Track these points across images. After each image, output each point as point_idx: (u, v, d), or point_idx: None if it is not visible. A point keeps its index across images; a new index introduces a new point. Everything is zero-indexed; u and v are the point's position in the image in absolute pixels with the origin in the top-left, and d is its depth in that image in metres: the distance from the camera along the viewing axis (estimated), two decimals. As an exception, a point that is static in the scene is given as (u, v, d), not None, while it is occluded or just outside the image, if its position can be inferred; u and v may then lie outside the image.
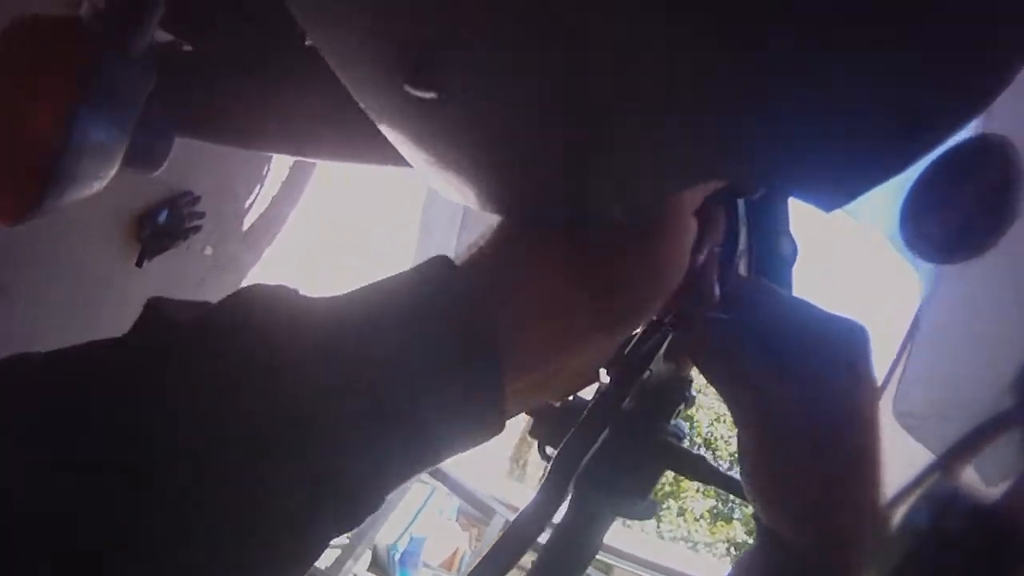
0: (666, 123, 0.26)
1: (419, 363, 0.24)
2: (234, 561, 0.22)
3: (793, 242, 0.50)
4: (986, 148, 0.32)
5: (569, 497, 0.41)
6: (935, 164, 0.33)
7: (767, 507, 0.35)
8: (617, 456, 0.41)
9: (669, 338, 0.39)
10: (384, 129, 0.31)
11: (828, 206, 0.28)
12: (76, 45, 0.33)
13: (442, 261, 0.27)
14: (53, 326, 1.18)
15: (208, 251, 1.77)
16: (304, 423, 0.22)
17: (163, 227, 1.40)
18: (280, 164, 1.77)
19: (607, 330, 0.30)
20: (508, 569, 0.34)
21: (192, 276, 1.76)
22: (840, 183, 0.26)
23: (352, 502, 0.24)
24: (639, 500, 0.44)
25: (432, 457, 0.26)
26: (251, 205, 1.89)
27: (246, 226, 1.91)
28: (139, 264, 1.49)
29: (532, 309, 0.27)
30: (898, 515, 0.32)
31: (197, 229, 1.62)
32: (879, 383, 0.36)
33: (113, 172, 0.38)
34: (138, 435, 0.20)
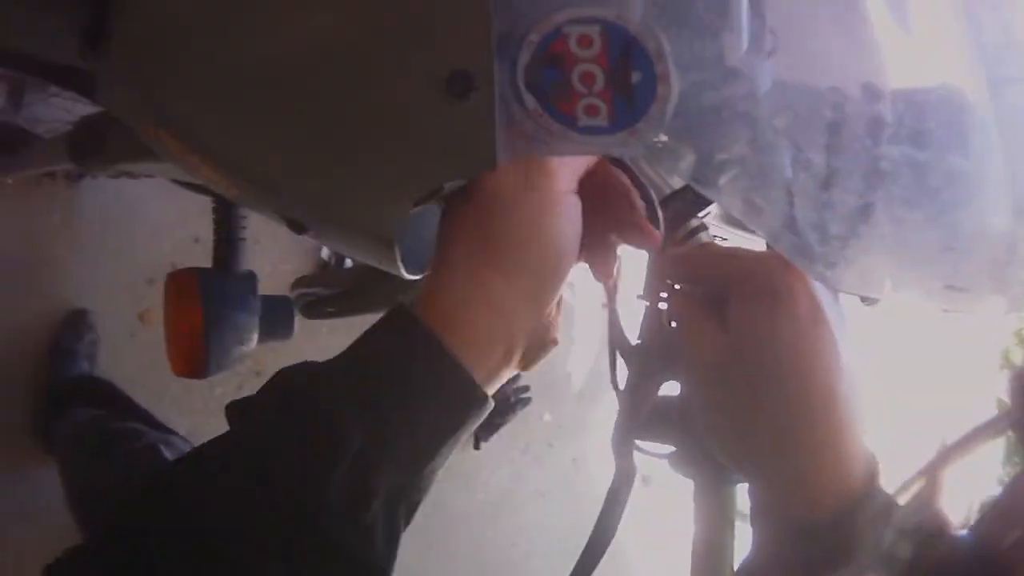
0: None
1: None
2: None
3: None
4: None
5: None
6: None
7: (736, 466, 0.37)
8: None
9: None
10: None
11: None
12: (197, 275, 0.61)
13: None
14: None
15: (547, 417, 1.98)
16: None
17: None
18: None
19: (511, 303, 0.35)
20: (604, 549, 0.39)
21: (539, 441, 1.99)
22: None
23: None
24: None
25: (432, 436, 0.33)
26: (576, 365, 2.08)
27: (576, 386, 2.08)
28: (476, 447, 1.79)
29: (446, 301, 0.35)
30: (873, 539, 0.30)
31: (527, 402, 1.88)
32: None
33: (254, 338, 0.64)
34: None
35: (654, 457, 0.43)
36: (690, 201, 0.45)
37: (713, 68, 0.31)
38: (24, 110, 1.07)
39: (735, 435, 0.36)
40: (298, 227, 0.46)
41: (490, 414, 0.36)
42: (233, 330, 0.62)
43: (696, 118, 0.32)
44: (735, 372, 0.35)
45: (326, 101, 0.36)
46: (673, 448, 0.42)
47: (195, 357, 0.60)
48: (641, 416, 0.41)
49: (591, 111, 0.32)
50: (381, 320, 0.35)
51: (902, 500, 0.32)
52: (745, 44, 0.31)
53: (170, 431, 1.04)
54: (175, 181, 0.73)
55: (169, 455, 0.84)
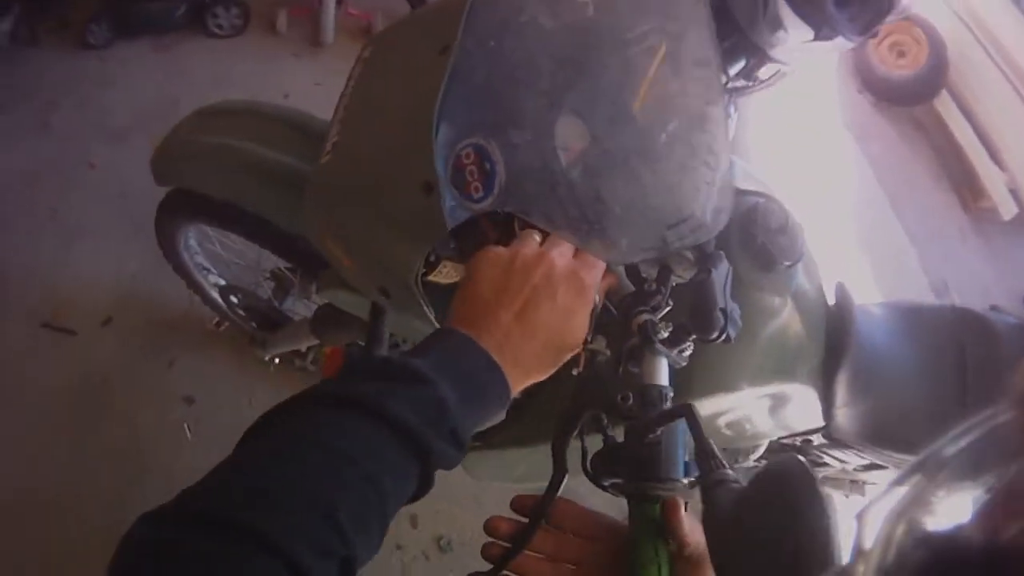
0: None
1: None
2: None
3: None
4: None
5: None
6: None
7: None
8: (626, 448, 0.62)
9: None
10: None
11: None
12: (344, 349, 1.01)
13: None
14: None
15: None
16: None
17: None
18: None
19: (508, 343, 0.62)
20: (527, 540, 0.63)
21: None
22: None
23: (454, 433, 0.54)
24: (671, 478, 0.59)
25: (481, 394, 0.58)
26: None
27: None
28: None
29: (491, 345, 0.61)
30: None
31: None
32: None
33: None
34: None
35: (607, 491, 0.62)
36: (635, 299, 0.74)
37: (523, 152, 0.66)
38: (287, 302, 1.62)
39: None
40: (385, 294, 0.85)
41: None
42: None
43: (519, 178, 0.66)
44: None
45: (383, 213, 0.76)
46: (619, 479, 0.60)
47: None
48: (573, 431, 0.65)
49: (476, 190, 0.68)
50: (440, 333, 0.61)
51: (898, 495, 0.31)
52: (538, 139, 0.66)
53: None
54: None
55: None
